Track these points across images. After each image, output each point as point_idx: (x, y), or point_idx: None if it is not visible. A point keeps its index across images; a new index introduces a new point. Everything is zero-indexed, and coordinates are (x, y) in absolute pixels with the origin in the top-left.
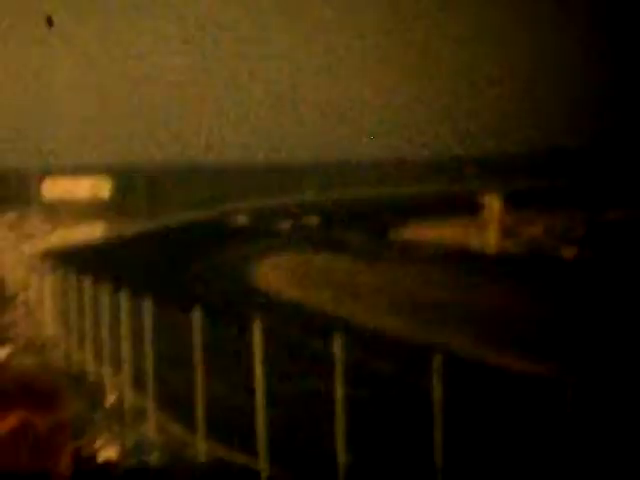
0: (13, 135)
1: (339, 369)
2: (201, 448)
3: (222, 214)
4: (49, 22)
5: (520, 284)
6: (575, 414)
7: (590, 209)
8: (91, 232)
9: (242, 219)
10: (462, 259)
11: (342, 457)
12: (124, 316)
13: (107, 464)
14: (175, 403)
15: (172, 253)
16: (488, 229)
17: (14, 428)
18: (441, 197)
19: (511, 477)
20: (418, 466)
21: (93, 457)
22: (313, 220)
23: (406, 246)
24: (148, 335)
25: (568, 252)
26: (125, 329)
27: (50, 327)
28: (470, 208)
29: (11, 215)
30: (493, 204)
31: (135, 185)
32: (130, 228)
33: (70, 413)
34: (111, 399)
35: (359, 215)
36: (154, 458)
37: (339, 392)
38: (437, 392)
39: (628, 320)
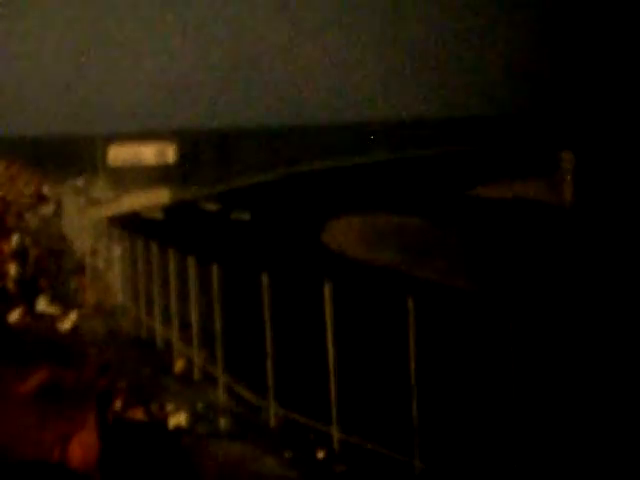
0: (80, 102)
1: (411, 331)
2: (272, 412)
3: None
4: None
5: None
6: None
7: None
8: (157, 197)
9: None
10: (539, 215)
11: (416, 421)
12: (192, 281)
13: (177, 429)
14: (245, 368)
15: (240, 217)
16: (564, 185)
17: (43, 383)
18: (516, 155)
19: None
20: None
21: (164, 422)
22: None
23: (481, 204)
24: (216, 300)
25: None
26: (193, 294)
27: (118, 293)
28: (545, 165)
29: (78, 181)
30: (568, 161)
31: (201, 150)
32: (196, 193)
33: (94, 375)
34: (180, 364)
35: (433, 174)
36: (224, 423)
37: (412, 353)
38: (512, 358)
39: None
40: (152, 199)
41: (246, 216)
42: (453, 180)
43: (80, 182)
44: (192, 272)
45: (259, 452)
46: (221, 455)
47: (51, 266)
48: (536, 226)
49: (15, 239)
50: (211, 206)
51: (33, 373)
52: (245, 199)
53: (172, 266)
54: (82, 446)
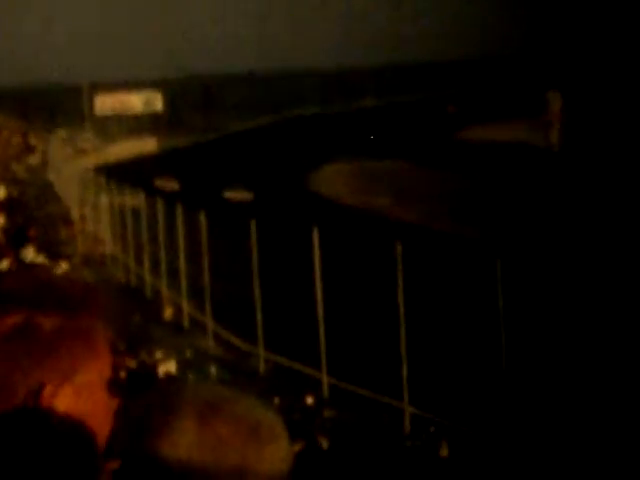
0: (65, 51)
1: (400, 275)
2: (261, 358)
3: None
4: None
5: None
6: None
7: None
8: (145, 146)
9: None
10: (526, 157)
11: (405, 365)
12: (180, 230)
13: (167, 377)
14: (234, 315)
15: (229, 163)
16: (551, 127)
17: (17, 326)
18: (502, 97)
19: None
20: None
21: (153, 370)
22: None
23: (470, 148)
24: (205, 248)
25: None
26: (181, 243)
27: (108, 242)
28: (532, 107)
29: (64, 131)
30: (555, 102)
31: (188, 97)
32: (184, 140)
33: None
34: (169, 312)
35: (422, 118)
36: (213, 370)
37: (400, 299)
38: (500, 297)
39: None
40: (140, 148)
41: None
42: (440, 124)
43: (67, 132)
44: (180, 221)
45: (236, 394)
46: (196, 397)
47: (39, 216)
48: (523, 169)
49: (2, 189)
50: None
51: (8, 316)
52: (234, 146)
53: (161, 215)
54: (76, 397)
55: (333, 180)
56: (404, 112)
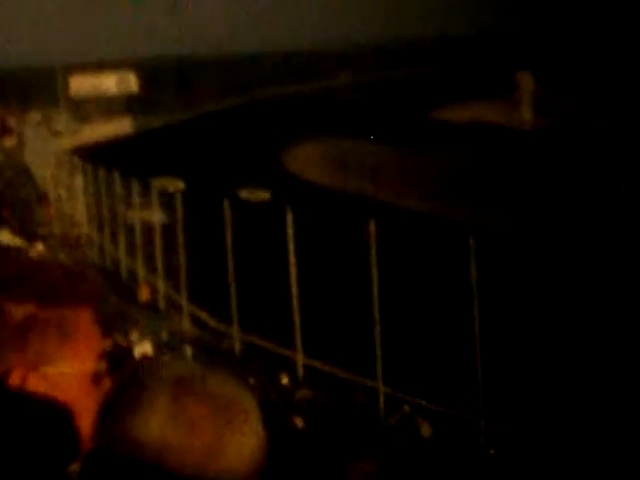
0: (39, 32)
1: (373, 255)
2: (236, 338)
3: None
4: None
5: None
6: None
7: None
8: (120, 127)
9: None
10: (498, 137)
11: (379, 343)
12: (155, 210)
13: (143, 358)
14: (209, 295)
15: (203, 144)
16: (522, 106)
17: None
18: (475, 77)
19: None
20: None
21: (129, 351)
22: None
23: (442, 128)
24: (180, 228)
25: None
26: (157, 223)
27: (83, 224)
28: (503, 87)
29: (39, 113)
30: (525, 82)
31: (163, 78)
32: (159, 121)
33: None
34: (145, 293)
35: (396, 97)
36: (188, 351)
37: (374, 278)
38: (473, 273)
39: None
40: (115, 129)
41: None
42: (413, 103)
43: (42, 114)
44: (155, 201)
45: (208, 371)
46: (168, 375)
47: (15, 198)
48: (496, 148)
49: None
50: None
51: None
52: (211, 126)
53: (135, 195)
54: (49, 385)
55: (306, 160)
56: (377, 91)
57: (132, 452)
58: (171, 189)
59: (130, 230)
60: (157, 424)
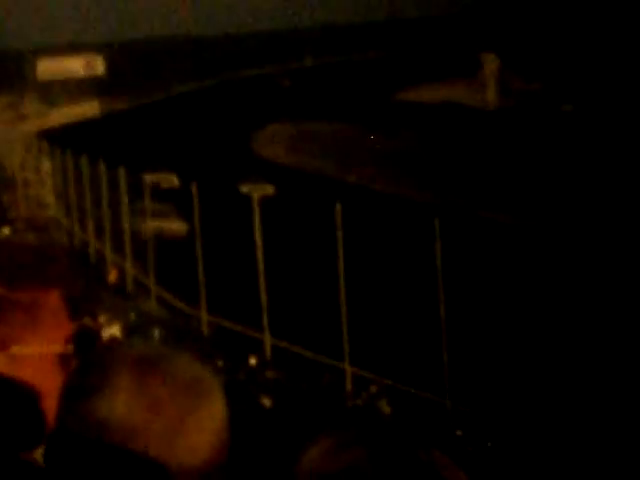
0: (5, 15)
1: (340, 236)
2: (204, 320)
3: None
4: None
5: (520, 139)
6: None
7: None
8: (87, 110)
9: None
10: (462, 117)
11: (345, 330)
12: (123, 193)
13: (111, 341)
14: (176, 278)
15: (172, 126)
16: (487, 87)
17: None
18: (439, 57)
19: None
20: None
21: (97, 334)
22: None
23: (408, 108)
24: (148, 211)
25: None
26: (124, 206)
27: (51, 207)
28: (468, 67)
29: (6, 97)
30: (490, 62)
31: (130, 60)
32: (126, 104)
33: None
34: (113, 276)
35: (361, 78)
36: (157, 333)
37: (340, 259)
38: (438, 256)
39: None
40: (82, 112)
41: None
42: (379, 85)
43: (9, 97)
44: (123, 184)
45: (172, 351)
46: (132, 355)
47: None
48: (462, 130)
49: None
50: None
51: None
52: (180, 108)
53: (104, 178)
54: (13, 366)
55: (273, 141)
56: (342, 72)
57: (96, 433)
58: (164, 185)
59: (98, 212)
60: (120, 404)
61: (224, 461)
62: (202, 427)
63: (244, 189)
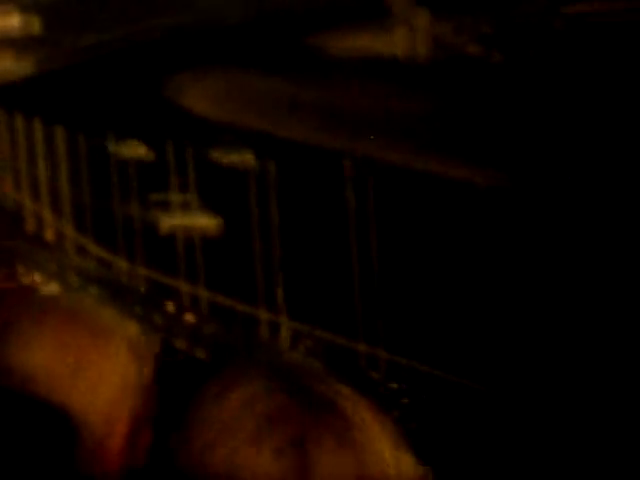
0: None
1: (273, 194)
2: (141, 277)
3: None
4: None
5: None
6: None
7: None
8: (22, 68)
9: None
10: (378, 66)
11: (280, 294)
12: (59, 152)
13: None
14: (114, 236)
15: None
16: (397, 32)
17: None
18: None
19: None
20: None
21: (34, 290)
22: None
23: (326, 57)
24: (84, 169)
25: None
26: (63, 164)
27: None
28: (375, 11)
29: None
30: (422, 16)
31: (64, 18)
32: (61, 61)
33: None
34: (50, 235)
35: (270, 25)
36: (94, 290)
37: (274, 216)
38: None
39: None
40: (16, 69)
41: None
42: (286, 29)
43: None
44: (61, 142)
45: (97, 304)
46: (56, 307)
47: None
48: (394, 82)
49: None
50: None
51: None
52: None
53: (39, 137)
54: None
55: (192, 90)
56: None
57: (19, 382)
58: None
59: (34, 171)
60: (44, 354)
61: (150, 413)
62: (103, 370)
63: (216, 155)
